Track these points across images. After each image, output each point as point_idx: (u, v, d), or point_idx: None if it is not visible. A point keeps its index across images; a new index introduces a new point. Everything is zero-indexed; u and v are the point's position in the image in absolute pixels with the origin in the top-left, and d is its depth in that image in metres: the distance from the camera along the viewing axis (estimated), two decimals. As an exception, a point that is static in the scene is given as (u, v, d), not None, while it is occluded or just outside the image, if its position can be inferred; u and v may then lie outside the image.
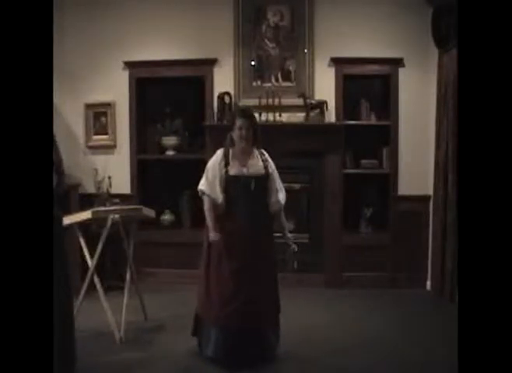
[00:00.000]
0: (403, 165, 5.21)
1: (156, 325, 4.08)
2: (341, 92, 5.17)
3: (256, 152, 3.32)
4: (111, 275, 4.93)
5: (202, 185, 3.26)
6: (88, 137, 5.49)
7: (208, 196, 3.23)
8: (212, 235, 3.21)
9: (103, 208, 4.25)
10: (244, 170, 3.24)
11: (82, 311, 3.86)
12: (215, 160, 3.27)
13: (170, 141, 5.39)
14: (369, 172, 5.26)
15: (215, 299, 3.23)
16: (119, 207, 4.28)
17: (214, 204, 3.23)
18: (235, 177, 3.21)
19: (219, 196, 3.20)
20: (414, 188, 5.23)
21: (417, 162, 5.20)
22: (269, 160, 3.35)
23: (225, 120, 4.95)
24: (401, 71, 5.18)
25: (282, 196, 3.37)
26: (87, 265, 3.87)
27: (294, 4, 5.21)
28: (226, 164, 3.23)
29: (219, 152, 3.30)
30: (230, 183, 3.22)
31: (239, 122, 3.22)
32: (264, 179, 3.28)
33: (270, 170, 3.31)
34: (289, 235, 3.51)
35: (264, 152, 3.37)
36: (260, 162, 3.30)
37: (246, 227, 3.21)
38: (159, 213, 5.10)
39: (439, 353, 3.47)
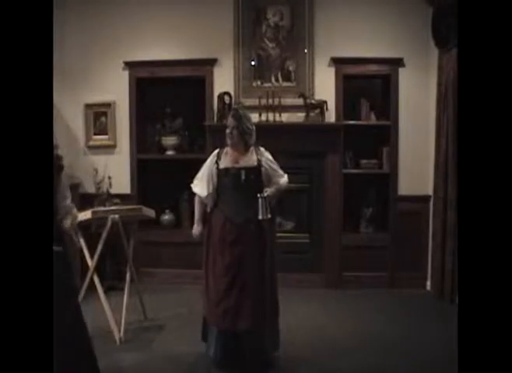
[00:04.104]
0: (403, 165, 5.21)
1: (156, 325, 4.08)
2: (341, 92, 5.17)
3: (252, 150, 3.32)
4: (111, 275, 4.93)
5: (192, 184, 3.39)
6: (88, 137, 5.49)
7: (195, 193, 3.36)
8: (194, 229, 3.39)
9: (103, 208, 4.25)
10: (234, 163, 3.26)
11: (81, 312, 3.86)
12: (209, 158, 3.37)
13: (170, 141, 5.39)
14: (369, 172, 5.26)
15: (211, 298, 3.22)
16: (119, 207, 4.28)
17: (202, 201, 3.36)
18: (225, 170, 3.24)
19: (204, 191, 3.29)
20: (414, 188, 5.23)
21: (417, 162, 5.20)
22: (265, 155, 3.31)
23: (225, 120, 4.95)
24: (401, 71, 5.18)
25: (281, 181, 3.31)
26: (87, 265, 3.87)
27: (294, 4, 5.21)
28: (218, 160, 3.30)
29: (214, 152, 3.39)
30: (221, 177, 3.25)
31: (229, 120, 3.32)
32: (255, 170, 3.24)
33: (263, 162, 3.27)
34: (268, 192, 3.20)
35: (262, 149, 3.35)
36: (254, 156, 3.28)
37: (235, 219, 3.19)
38: (159, 213, 5.10)
39: (439, 353, 3.47)
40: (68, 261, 2.62)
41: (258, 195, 3.11)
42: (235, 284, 3.14)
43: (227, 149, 3.34)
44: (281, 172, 3.34)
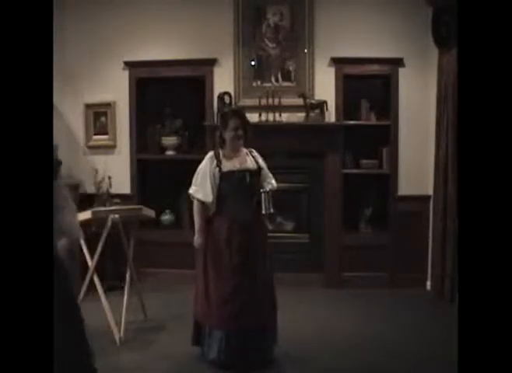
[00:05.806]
0: (403, 165, 5.21)
1: (156, 325, 4.08)
2: (341, 92, 5.17)
3: (244, 151, 3.37)
4: (111, 275, 4.93)
5: (191, 189, 3.30)
6: (88, 137, 5.49)
7: (198, 199, 3.26)
8: (195, 239, 3.29)
9: (103, 208, 4.25)
10: (237, 165, 3.27)
11: (82, 311, 3.86)
12: (206, 162, 3.29)
13: (170, 141, 5.39)
14: (369, 172, 5.26)
15: (213, 301, 3.21)
16: (119, 207, 4.29)
17: (204, 206, 3.27)
18: (230, 172, 3.23)
19: (209, 196, 3.22)
20: (414, 188, 5.23)
21: (417, 162, 5.20)
22: (259, 157, 3.41)
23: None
24: (401, 71, 5.18)
25: (273, 182, 3.42)
26: (87, 265, 3.87)
27: (294, 4, 5.21)
28: (218, 163, 3.25)
29: (209, 154, 3.33)
30: (225, 180, 3.23)
31: (234, 123, 3.26)
32: (256, 173, 3.32)
33: (261, 165, 3.37)
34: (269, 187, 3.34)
35: (253, 150, 3.42)
36: (250, 158, 3.35)
37: (241, 221, 3.21)
38: (159, 213, 5.10)
39: (439, 353, 3.47)
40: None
41: (261, 190, 3.20)
42: (242, 284, 3.16)
43: (223, 151, 3.31)
44: (271, 177, 3.44)
